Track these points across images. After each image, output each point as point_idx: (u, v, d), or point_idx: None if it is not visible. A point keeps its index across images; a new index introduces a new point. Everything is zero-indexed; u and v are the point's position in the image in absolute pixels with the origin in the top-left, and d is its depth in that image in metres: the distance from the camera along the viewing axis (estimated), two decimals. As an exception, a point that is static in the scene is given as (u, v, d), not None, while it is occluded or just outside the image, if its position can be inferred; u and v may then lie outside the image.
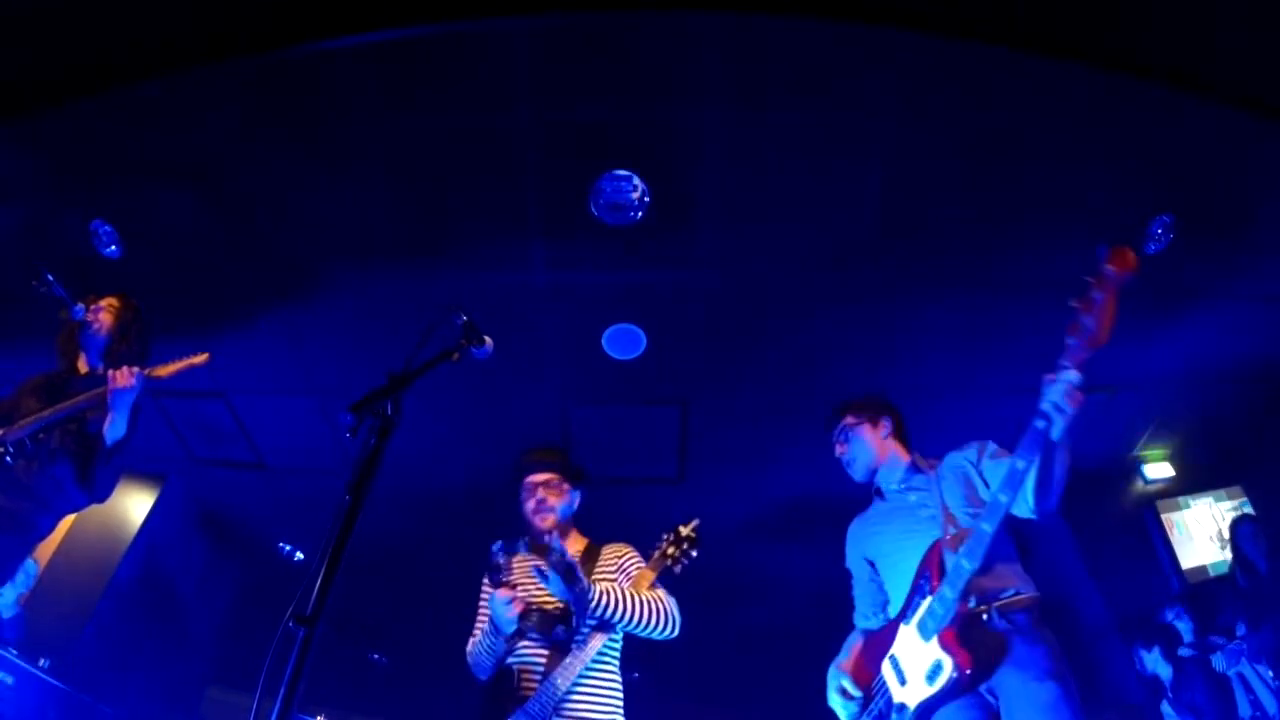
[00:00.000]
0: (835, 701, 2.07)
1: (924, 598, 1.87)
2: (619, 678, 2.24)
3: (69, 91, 3.02)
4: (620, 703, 2.20)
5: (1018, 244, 3.45)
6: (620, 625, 2.15)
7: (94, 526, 4.63)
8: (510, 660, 2.17)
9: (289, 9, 2.75)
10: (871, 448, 2.30)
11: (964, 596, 1.77)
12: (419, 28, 2.75)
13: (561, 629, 2.10)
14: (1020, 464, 1.70)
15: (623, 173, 3.12)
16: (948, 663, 1.75)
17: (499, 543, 2.26)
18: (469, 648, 2.31)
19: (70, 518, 4.59)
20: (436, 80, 2.87)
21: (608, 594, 2.12)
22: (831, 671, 2.13)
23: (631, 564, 2.35)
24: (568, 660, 2.07)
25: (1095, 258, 1.58)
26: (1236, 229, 3.51)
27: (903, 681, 1.87)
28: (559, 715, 2.03)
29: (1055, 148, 3.09)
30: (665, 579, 2.29)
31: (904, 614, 1.94)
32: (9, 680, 2.99)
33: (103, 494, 2.55)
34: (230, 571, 5.83)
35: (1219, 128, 3.09)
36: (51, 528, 2.56)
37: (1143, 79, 2.91)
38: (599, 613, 2.10)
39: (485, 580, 2.35)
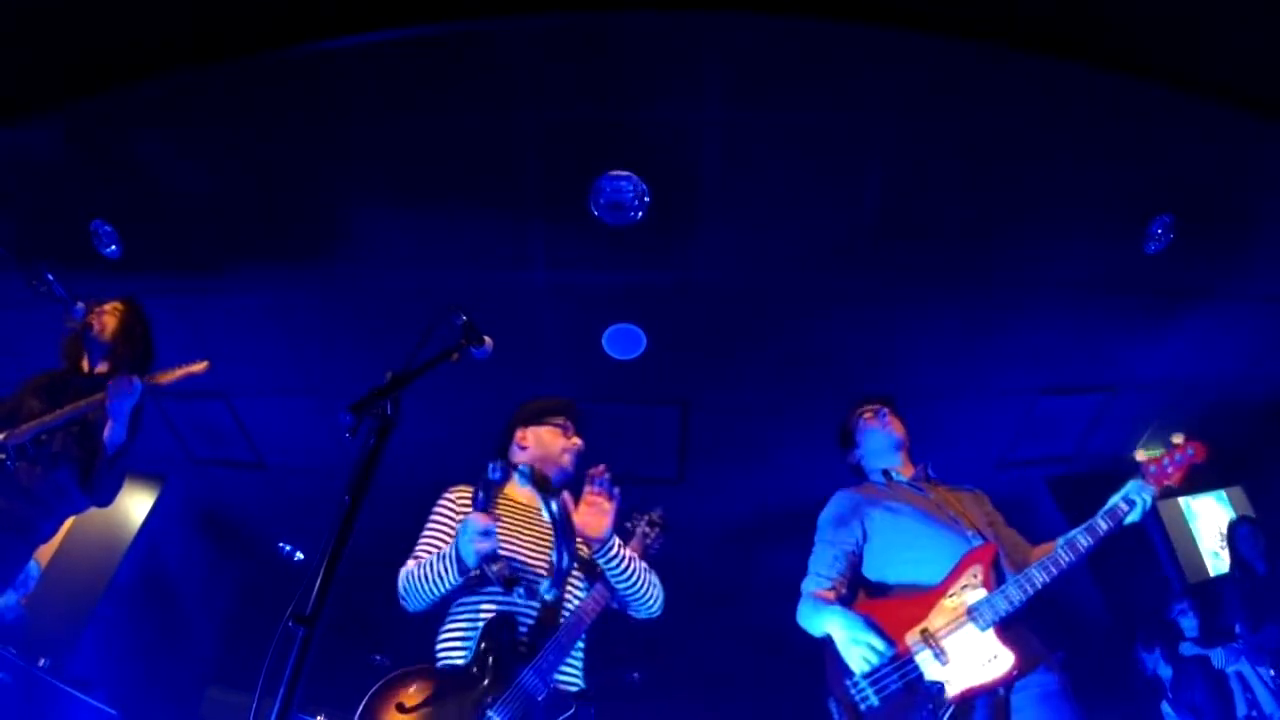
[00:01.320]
0: (863, 640, 1.92)
1: (974, 588, 1.95)
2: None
3: (69, 91, 3.03)
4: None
5: (1018, 244, 3.45)
6: (625, 584, 2.03)
7: (94, 527, 4.62)
8: (501, 608, 1.94)
9: (289, 9, 2.75)
10: (904, 441, 2.40)
11: (1028, 602, 1.89)
12: (419, 28, 2.75)
13: (521, 591, 1.91)
14: (1104, 524, 1.96)
15: (623, 173, 3.12)
16: (1007, 656, 1.83)
17: (498, 462, 2.10)
18: (409, 569, 2.00)
19: (71, 518, 4.60)
20: (437, 80, 2.87)
21: (624, 549, 2.02)
22: (850, 616, 2.00)
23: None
24: (574, 618, 1.95)
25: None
26: (1236, 229, 3.51)
27: (942, 660, 1.88)
28: (559, 678, 1.91)
29: (1055, 148, 3.09)
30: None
31: (946, 592, 1.97)
32: (8, 680, 2.99)
33: (106, 498, 2.54)
34: (230, 571, 5.83)
35: (1219, 128, 3.09)
36: (54, 531, 2.55)
37: (1143, 79, 2.91)
38: (613, 563, 1.99)
39: (447, 498, 2.18)
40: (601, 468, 2.02)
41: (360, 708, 1.77)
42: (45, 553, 4.49)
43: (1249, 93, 3.01)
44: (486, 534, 1.85)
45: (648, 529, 2.25)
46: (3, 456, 2.30)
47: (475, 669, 1.86)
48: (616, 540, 2.01)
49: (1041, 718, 1.83)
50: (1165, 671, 4.12)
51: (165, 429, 4.58)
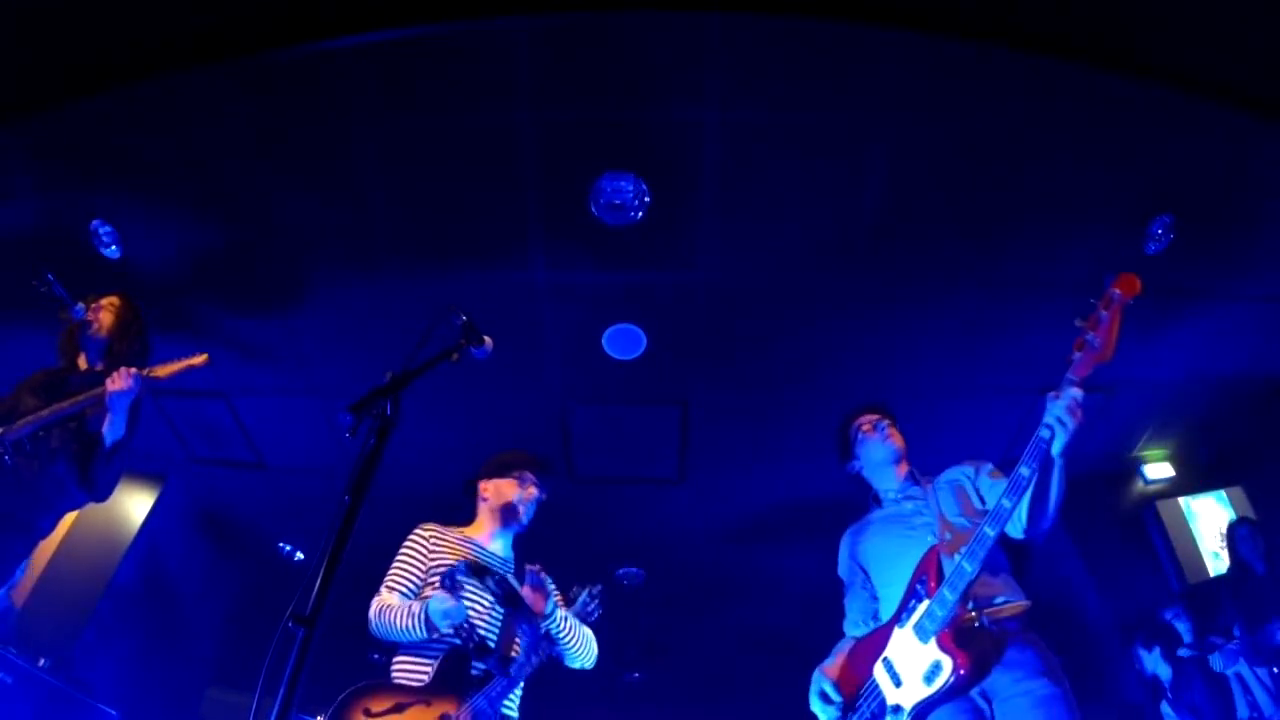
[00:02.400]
0: (816, 705, 2.09)
1: (920, 601, 1.89)
2: None
3: (69, 91, 3.02)
4: None
5: (1018, 244, 3.45)
6: (565, 644, 2.38)
7: (94, 526, 4.62)
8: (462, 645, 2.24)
9: (289, 9, 2.75)
10: (903, 452, 2.37)
11: (964, 599, 1.80)
12: (419, 27, 2.75)
13: (492, 659, 2.22)
14: (1024, 470, 1.76)
15: (623, 173, 3.12)
16: (947, 663, 1.76)
17: (463, 563, 2.36)
18: (385, 606, 2.23)
19: (70, 517, 4.60)
20: (436, 80, 2.87)
21: (566, 619, 2.39)
22: (815, 675, 2.13)
23: (553, 592, 2.51)
24: (521, 660, 2.24)
25: (1100, 283, 1.74)
26: (1236, 229, 3.51)
27: (898, 683, 1.88)
28: (504, 709, 2.21)
29: (1055, 148, 3.09)
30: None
31: (898, 618, 1.95)
32: (8, 680, 2.99)
33: (104, 493, 2.55)
34: (230, 571, 5.83)
35: (1219, 128, 3.09)
36: (52, 527, 2.55)
37: (1143, 79, 2.91)
38: (555, 626, 2.34)
39: (418, 534, 2.43)
40: (537, 567, 2.45)
41: (330, 712, 1.99)
42: (45, 552, 4.49)
43: (1249, 93, 3.01)
44: (456, 613, 2.15)
45: (589, 599, 2.55)
46: (1, 452, 2.30)
47: (434, 689, 2.12)
48: (559, 612, 2.38)
49: None
50: (1165, 672, 4.12)
51: (165, 428, 4.58)
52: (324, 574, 1.25)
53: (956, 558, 1.82)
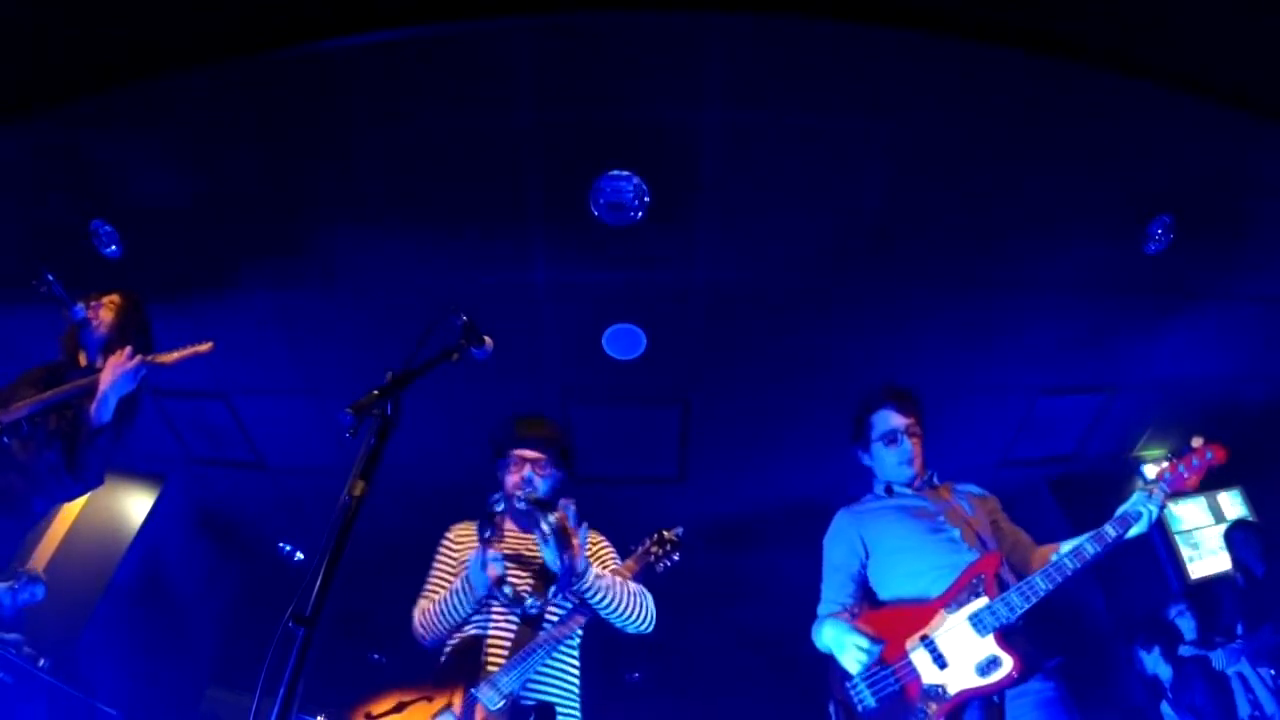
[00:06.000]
0: (854, 645, 1.98)
1: (977, 596, 1.96)
2: (578, 664, 2.18)
3: (69, 91, 3.03)
4: (578, 689, 2.13)
5: (1018, 244, 3.45)
6: (604, 608, 2.10)
7: (94, 526, 4.62)
8: (475, 630, 2.06)
9: (289, 9, 2.75)
10: (919, 456, 2.35)
11: (1027, 611, 1.91)
12: (419, 28, 2.75)
13: (533, 601, 2.04)
14: (1111, 533, 1.99)
15: (623, 173, 3.12)
16: (1007, 662, 1.85)
17: (498, 494, 2.22)
18: (422, 608, 2.14)
19: (71, 516, 4.60)
20: (437, 80, 2.87)
21: (601, 575, 2.10)
22: (841, 625, 2.06)
23: (606, 554, 2.30)
24: (543, 637, 2.01)
25: (1197, 446, 1.99)
26: (1236, 229, 3.51)
27: (941, 665, 1.91)
28: (523, 692, 1.97)
29: (1055, 148, 3.09)
30: (645, 577, 2.27)
31: (948, 602, 1.98)
32: (8, 680, 2.99)
33: (92, 481, 2.51)
34: (230, 571, 5.83)
35: (1219, 128, 3.09)
36: (45, 511, 2.54)
37: (1143, 79, 2.91)
38: (588, 592, 2.06)
39: (447, 537, 2.33)
40: (565, 506, 2.10)
41: None
42: (45, 553, 4.49)
43: (1249, 93, 3.01)
44: (495, 561, 2.03)
45: (655, 548, 2.29)
46: None
47: (437, 684, 2.01)
48: (592, 572, 2.07)
49: None
50: (1165, 672, 4.12)
51: (165, 428, 4.58)
52: (324, 574, 1.25)
53: (1037, 575, 1.93)
